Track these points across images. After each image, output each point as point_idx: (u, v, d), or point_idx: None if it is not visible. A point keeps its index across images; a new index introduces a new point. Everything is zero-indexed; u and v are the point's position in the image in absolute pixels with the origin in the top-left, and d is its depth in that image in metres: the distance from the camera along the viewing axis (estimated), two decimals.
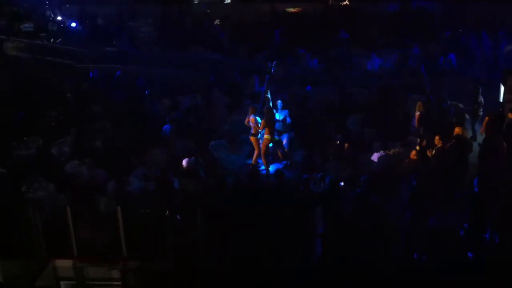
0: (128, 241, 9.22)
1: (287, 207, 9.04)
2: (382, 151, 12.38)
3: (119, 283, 9.41)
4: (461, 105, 15.16)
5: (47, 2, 25.86)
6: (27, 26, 24.39)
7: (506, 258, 7.96)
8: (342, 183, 10.23)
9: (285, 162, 13.18)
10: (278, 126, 13.56)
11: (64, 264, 9.51)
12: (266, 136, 12.71)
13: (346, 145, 12.64)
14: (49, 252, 9.48)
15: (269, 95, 13.70)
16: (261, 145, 12.89)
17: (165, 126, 13.77)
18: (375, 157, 12.12)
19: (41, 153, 12.87)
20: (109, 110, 15.80)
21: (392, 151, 12.60)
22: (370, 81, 18.09)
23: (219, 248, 9.08)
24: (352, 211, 9.02)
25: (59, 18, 25.68)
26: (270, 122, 12.69)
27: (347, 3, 26.51)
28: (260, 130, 12.84)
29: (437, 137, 11.38)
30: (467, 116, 14.01)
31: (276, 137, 13.04)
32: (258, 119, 12.88)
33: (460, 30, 22.28)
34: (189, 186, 10.78)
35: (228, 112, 15.87)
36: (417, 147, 11.79)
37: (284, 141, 13.52)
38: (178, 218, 9.82)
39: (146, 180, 11.77)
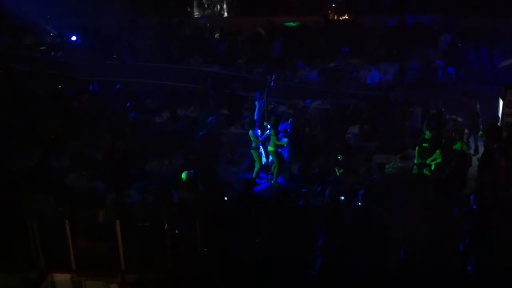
0: (127, 254, 9.17)
1: (287, 217, 9.04)
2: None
3: None
4: (459, 119, 15.21)
5: (48, 16, 26.01)
6: (28, 39, 24.59)
7: (502, 269, 7.96)
8: (343, 198, 10.21)
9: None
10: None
11: (62, 278, 9.44)
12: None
13: (345, 157, 12.66)
14: (47, 265, 9.43)
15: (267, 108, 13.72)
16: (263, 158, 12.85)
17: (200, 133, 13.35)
18: None
19: (40, 165, 12.85)
20: (109, 122, 15.82)
21: (391, 164, 12.62)
22: (369, 93, 18.15)
23: (219, 260, 9.04)
24: (352, 221, 9.01)
25: (59, 31, 25.84)
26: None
27: (347, 17, 26.71)
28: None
29: (437, 152, 11.41)
30: (466, 131, 14.02)
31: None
32: (258, 132, 12.89)
33: (459, 45, 22.43)
34: (188, 198, 10.77)
35: (227, 124, 15.90)
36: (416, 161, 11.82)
37: (285, 154, 13.50)
38: (177, 231, 9.78)
39: (145, 192, 11.75)
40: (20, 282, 9.26)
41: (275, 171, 12.85)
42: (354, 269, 8.20)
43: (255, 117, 13.29)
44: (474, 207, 8.77)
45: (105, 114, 16.38)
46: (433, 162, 11.62)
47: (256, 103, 14.01)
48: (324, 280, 8.38)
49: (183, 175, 11.15)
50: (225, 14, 29.07)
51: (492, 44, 21.30)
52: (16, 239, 9.47)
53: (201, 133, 13.05)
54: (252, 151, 13.03)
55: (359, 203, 9.31)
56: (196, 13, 29.28)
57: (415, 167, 12.08)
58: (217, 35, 25.63)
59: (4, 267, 9.24)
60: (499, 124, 13.44)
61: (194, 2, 29.06)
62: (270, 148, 12.75)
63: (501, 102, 14.28)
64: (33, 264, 9.34)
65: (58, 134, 15.02)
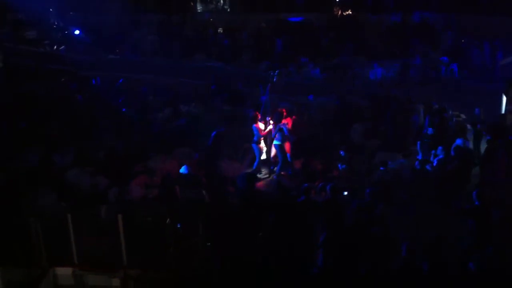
0: (128, 249, 9.19)
1: (288, 215, 9.05)
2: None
3: None
4: (462, 116, 15.17)
5: (50, 10, 26.00)
6: (30, 33, 24.55)
7: (505, 269, 7.95)
8: (346, 193, 10.21)
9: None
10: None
11: (64, 272, 9.47)
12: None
13: (347, 154, 12.66)
14: (49, 260, 9.46)
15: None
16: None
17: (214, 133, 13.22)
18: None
19: (43, 161, 12.86)
20: (111, 118, 15.81)
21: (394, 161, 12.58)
22: (372, 90, 18.08)
23: (220, 256, 9.05)
24: (353, 219, 9.00)
25: (62, 25, 25.82)
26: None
27: (350, 12, 26.63)
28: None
29: (439, 148, 11.40)
30: (468, 127, 13.97)
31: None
32: (261, 126, 12.90)
33: (462, 41, 22.39)
34: (190, 194, 10.78)
35: (229, 120, 15.87)
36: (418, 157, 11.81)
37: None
38: (179, 226, 9.80)
39: (147, 188, 11.77)
40: (22, 277, 9.30)
41: (279, 166, 12.86)
42: (354, 268, 8.19)
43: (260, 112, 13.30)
44: (476, 203, 8.74)
45: (107, 110, 16.36)
46: (436, 159, 11.60)
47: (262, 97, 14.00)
48: (324, 278, 8.38)
49: (182, 170, 11.19)
50: (228, 10, 28.99)
51: (495, 41, 21.24)
52: (18, 235, 9.49)
53: (214, 132, 13.05)
54: (254, 145, 13.03)
55: (363, 201, 9.30)
56: (199, 9, 29.22)
57: (417, 163, 12.05)
58: (220, 30, 25.59)
59: (7, 262, 9.26)
60: (503, 122, 13.43)
61: None
62: (275, 142, 12.74)
63: (504, 99, 14.25)
64: (35, 259, 9.38)
65: (60, 131, 15.02)
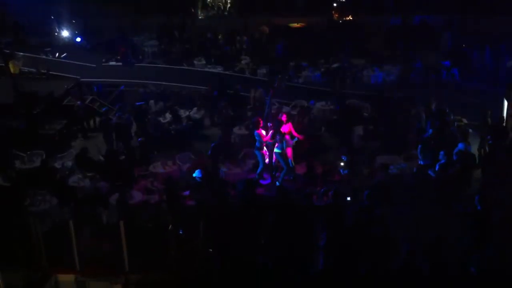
0: (130, 255, 9.19)
1: (289, 215, 9.06)
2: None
3: None
4: (464, 120, 15.13)
5: (52, 17, 26.11)
6: (32, 40, 24.66)
7: (505, 269, 7.95)
8: (349, 198, 10.21)
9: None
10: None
11: (66, 278, 9.48)
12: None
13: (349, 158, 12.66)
14: (51, 266, 9.47)
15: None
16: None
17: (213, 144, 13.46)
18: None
19: (44, 166, 12.90)
20: (113, 124, 15.83)
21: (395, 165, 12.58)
22: (373, 94, 18.07)
23: (222, 260, 9.05)
24: (354, 222, 9.00)
25: (64, 32, 25.92)
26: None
27: (351, 18, 26.65)
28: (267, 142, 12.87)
29: (441, 153, 11.38)
30: (470, 131, 13.93)
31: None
32: (263, 132, 12.91)
33: (464, 45, 22.36)
34: (192, 198, 10.80)
35: (231, 125, 15.89)
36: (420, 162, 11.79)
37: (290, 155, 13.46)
38: (181, 231, 9.81)
39: (148, 193, 11.78)
40: (23, 282, 9.31)
41: (282, 173, 12.86)
42: (355, 269, 8.19)
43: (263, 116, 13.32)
44: (478, 207, 8.74)
45: (109, 115, 16.40)
46: (438, 164, 11.57)
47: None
48: (325, 280, 8.38)
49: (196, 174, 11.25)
50: (229, 15, 29.06)
51: (497, 44, 21.21)
52: (20, 240, 9.51)
53: (213, 144, 13.15)
54: (256, 151, 13.04)
55: (363, 203, 9.30)
56: (200, 14, 29.30)
57: (419, 167, 12.04)
58: (220, 36, 25.63)
59: (9, 268, 9.27)
60: (504, 124, 13.39)
61: (198, 2, 29.09)
62: (276, 150, 12.74)
63: (505, 103, 14.22)
64: (37, 265, 9.39)
65: (62, 135, 15.08)
